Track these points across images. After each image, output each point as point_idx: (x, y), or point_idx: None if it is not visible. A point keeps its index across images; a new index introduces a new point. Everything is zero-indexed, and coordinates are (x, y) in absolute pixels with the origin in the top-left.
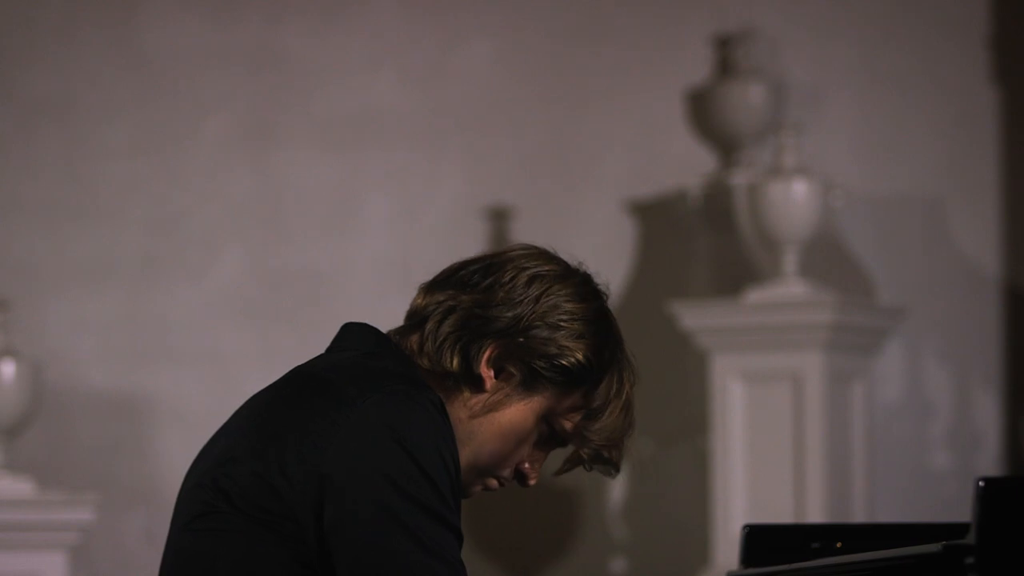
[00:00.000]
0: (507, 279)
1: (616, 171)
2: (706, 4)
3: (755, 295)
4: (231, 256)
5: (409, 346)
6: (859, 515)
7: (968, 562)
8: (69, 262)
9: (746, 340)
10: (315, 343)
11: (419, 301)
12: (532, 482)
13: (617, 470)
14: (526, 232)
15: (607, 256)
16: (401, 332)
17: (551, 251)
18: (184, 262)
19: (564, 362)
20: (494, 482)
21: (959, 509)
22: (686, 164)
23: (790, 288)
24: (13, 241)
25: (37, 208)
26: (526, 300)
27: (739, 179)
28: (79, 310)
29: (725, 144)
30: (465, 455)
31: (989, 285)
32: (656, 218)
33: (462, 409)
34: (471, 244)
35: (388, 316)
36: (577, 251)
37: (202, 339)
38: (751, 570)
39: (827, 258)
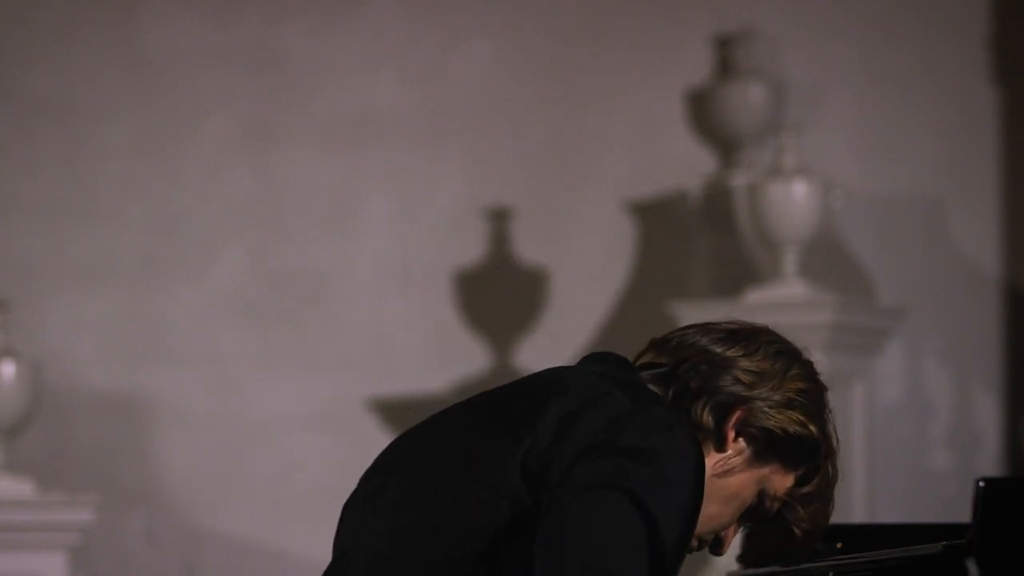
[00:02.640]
0: (757, 348)
1: (616, 171)
2: (706, 4)
3: (755, 295)
4: (231, 256)
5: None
6: (859, 515)
7: (968, 563)
8: (69, 262)
9: None
10: (315, 343)
11: (652, 359)
12: (725, 551)
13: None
14: (526, 232)
15: (607, 256)
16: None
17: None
18: (184, 262)
19: (801, 433)
20: (694, 543)
21: (959, 509)
22: (686, 164)
23: (790, 288)
24: (13, 241)
25: (37, 208)
26: (774, 372)
27: (739, 179)
28: (79, 310)
29: (725, 144)
30: None
31: (989, 285)
32: (656, 218)
33: (709, 466)
34: (471, 244)
35: (388, 316)
36: (577, 251)
37: (202, 339)
38: (751, 570)
39: (827, 258)
